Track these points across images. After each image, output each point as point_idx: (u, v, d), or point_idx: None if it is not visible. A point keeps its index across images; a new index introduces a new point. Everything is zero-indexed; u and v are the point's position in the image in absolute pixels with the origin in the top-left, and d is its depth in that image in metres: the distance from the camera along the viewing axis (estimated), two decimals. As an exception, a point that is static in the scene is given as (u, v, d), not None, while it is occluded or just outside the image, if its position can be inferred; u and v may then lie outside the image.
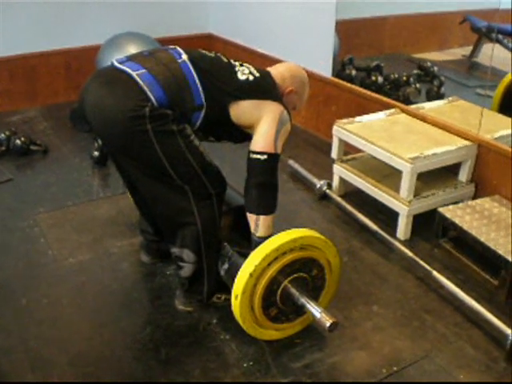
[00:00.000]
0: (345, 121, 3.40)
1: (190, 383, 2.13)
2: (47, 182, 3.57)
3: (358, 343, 2.34)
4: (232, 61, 2.39)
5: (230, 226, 2.53)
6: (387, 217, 3.16)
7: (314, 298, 2.26)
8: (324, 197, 3.44)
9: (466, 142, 3.11)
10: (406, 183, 2.93)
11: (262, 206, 2.25)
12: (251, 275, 2.10)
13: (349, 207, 3.24)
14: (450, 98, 3.73)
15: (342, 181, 3.41)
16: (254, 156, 2.22)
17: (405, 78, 4.25)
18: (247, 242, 2.31)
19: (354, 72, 4.32)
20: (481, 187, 3.16)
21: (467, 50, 4.43)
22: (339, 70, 4.31)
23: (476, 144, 3.11)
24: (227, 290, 2.31)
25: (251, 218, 2.26)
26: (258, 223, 2.24)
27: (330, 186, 3.44)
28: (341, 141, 3.40)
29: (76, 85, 4.53)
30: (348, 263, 2.82)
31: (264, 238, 2.20)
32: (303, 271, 2.22)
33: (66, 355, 2.24)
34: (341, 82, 4.12)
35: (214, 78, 2.25)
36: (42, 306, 2.50)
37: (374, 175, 3.22)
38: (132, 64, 2.21)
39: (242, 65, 2.37)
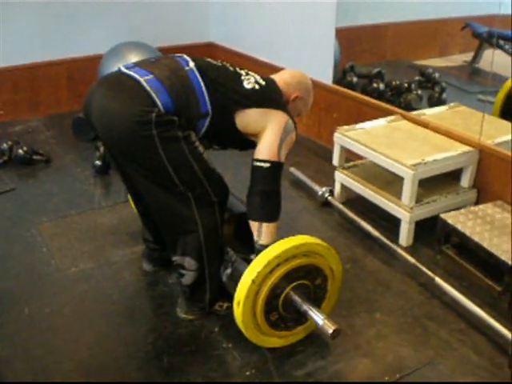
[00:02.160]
0: (346, 128, 3.40)
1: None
2: (49, 192, 3.57)
3: (361, 351, 2.33)
4: (238, 69, 2.40)
5: (232, 233, 2.52)
6: (389, 223, 3.15)
7: (317, 305, 2.25)
8: (326, 204, 3.43)
9: (468, 148, 3.11)
10: (408, 189, 2.93)
11: (264, 213, 2.25)
12: (253, 282, 2.09)
13: (351, 214, 3.24)
14: (452, 104, 3.73)
15: (344, 188, 3.41)
16: (258, 164, 2.23)
17: (406, 85, 4.26)
18: (249, 250, 2.31)
19: (355, 79, 4.33)
20: (483, 193, 3.16)
21: (468, 56, 4.44)
22: (340, 77, 4.32)
23: (477, 150, 3.11)
24: (229, 297, 2.31)
25: (253, 225, 2.26)
26: (260, 231, 2.25)
27: (331, 193, 3.43)
28: (342, 148, 3.40)
29: (78, 94, 4.54)
30: (350, 270, 2.81)
31: (267, 246, 2.20)
32: (306, 278, 2.21)
33: (68, 364, 2.23)
34: (342, 89, 4.13)
35: (220, 86, 2.26)
36: (45, 315, 2.49)
37: (376, 182, 3.21)
38: (139, 70, 2.22)
39: (247, 73, 2.38)
